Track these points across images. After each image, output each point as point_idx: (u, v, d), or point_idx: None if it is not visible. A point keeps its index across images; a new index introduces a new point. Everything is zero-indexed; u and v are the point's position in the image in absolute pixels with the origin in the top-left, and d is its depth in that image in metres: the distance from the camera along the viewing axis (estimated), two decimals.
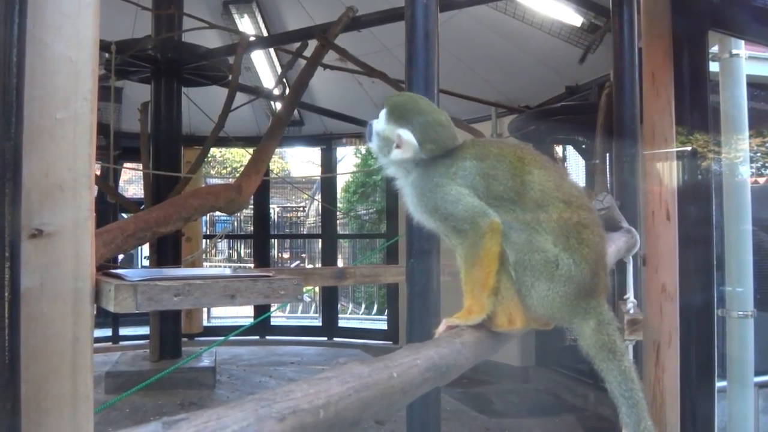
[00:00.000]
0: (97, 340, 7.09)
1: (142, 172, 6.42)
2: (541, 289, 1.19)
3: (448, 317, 1.28)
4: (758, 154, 5.27)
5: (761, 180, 5.30)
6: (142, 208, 5.72)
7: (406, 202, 1.36)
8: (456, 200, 1.23)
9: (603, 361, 1.24)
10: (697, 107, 3.21)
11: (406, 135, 1.28)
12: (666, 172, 3.22)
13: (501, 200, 1.22)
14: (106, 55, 5.26)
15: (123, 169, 8.67)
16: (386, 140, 1.33)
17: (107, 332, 7.77)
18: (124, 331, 7.93)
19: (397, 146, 1.30)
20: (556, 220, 1.21)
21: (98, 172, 6.42)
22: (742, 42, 3.48)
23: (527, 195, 1.23)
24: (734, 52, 3.45)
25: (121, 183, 9.70)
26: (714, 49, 3.47)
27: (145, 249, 8.23)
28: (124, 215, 7.14)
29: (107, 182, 5.93)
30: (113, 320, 7.75)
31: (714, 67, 3.45)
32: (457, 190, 1.24)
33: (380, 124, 1.35)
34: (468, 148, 1.31)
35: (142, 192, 6.49)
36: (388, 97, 1.37)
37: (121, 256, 8.14)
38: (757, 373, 3.41)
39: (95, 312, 1.39)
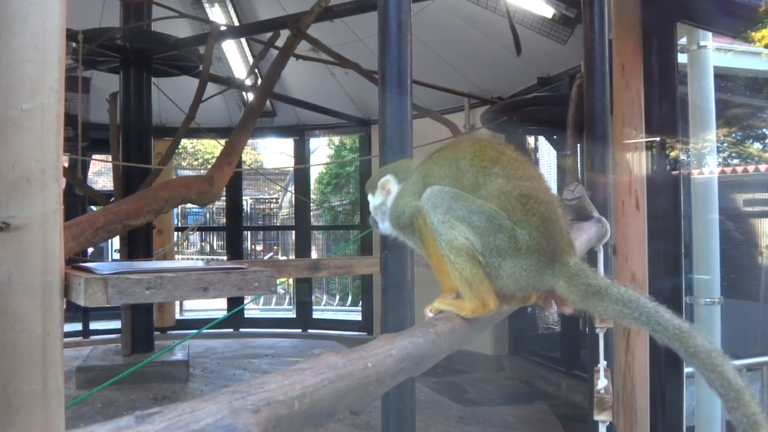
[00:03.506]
0: (67, 334, 6.99)
1: (111, 164, 6.32)
2: (508, 267, 1.21)
3: (438, 300, 1.29)
4: (725, 145, 5.37)
5: (728, 170, 5.41)
6: (111, 200, 5.64)
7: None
8: (402, 211, 1.35)
9: (596, 305, 1.22)
10: (666, 98, 3.25)
11: (384, 179, 1.44)
12: (635, 163, 3.27)
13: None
14: (74, 44, 5.15)
15: (92, 161, 8.54)
16: (381, 204, 1.46)
17: (77, 327, 7.66)
18: (94, 326, 7.82)
19: (387, 195, 1.44)
20: (497, 195, 1.22)
21: (66, 164, 6.32)
22: (710, 34, 3.53)
23: (465, 177, 1.25)
24: (702, 43, 3.50)
25: (90, 175, 9.56)
26: (682, 40, 3.52)
27: (116, 242, 8.12)
28: (94, 208, 7.04)
29: (76, 174, 5.83)
30: (83, 314, 7.64)
31: (682, 58, 3.50)
32: (404, 200, 1.36)
33: (371, 199, 1.49)
34: (421, 164, 1.41)
35: (112, 184, 6.39)
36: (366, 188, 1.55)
37: (90, 250, 8.03)
38: None
39: (65, 306, 1.37)
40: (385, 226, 1.47)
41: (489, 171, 1.25)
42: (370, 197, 1.50)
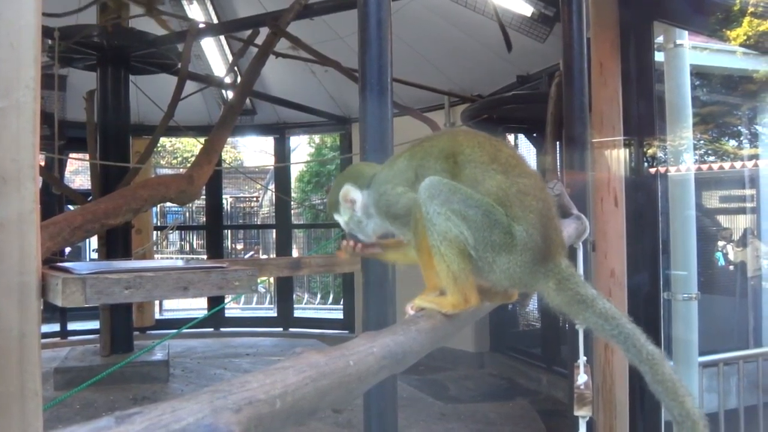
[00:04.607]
0: (45, 335, 6.90)
1: (89, 163, 6.25)
2: (503, 262, 1.22)
3: (419, 298, 1.29)
4: (702, 142, 5.45)
5: (705, 167, 5.48)
6: (89, 199, 5.58)
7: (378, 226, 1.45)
8: (396, 201, 1.33)
9: (578, 313, 1.25)
10: (643, 97, 3.29)
11: (342, 192, 1.42)
12: (614, 160, 3.30)
13: None
14: (49, 41, 5.09)
15: (69, 160, 8.44)
16: (350, 217, 1.45)
17: (55, 327, 7.56)
18: (72, 326, 7.73)
19: (353, 206, 1.43)
20: (495, 191, 1.22)
21: (43, 163, 6.23)
22: (686, 32, 3.57)
23: (463, 173, 1.25)
24: (678, 42, 3.54)
25: (67, 174, 9.44)
26: (659, 39, 3.56)
27: (94, 242, 8.03)
28: (71, 207, 6.95)
29: (52, 173, 5.76)
30: (61, 315, 7.55)
31: (659, 57, 3.54)
32: (395, 190, 1.33)
33: (340, 218, 1.48)
34: (401, 152, 1.40)
35: (90, 183, 6.32)
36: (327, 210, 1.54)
37: (68, 250, 7.93)
38: (702, 353, 3.54)
39: (42, 307, 1.35)
40: (367, 233, 1.45)
41: (488, 167, 1.25)
42: (337, 217, 1.48)
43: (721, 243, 5.84)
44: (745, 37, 3.34)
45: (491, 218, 1.20)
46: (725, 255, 5.88)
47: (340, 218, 1.47)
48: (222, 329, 8.31)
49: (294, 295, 9.32)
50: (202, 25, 6.17)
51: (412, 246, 1.32)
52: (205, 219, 9.33)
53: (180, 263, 1.73)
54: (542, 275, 1.25)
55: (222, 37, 7.43)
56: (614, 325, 1.23)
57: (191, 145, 14.42)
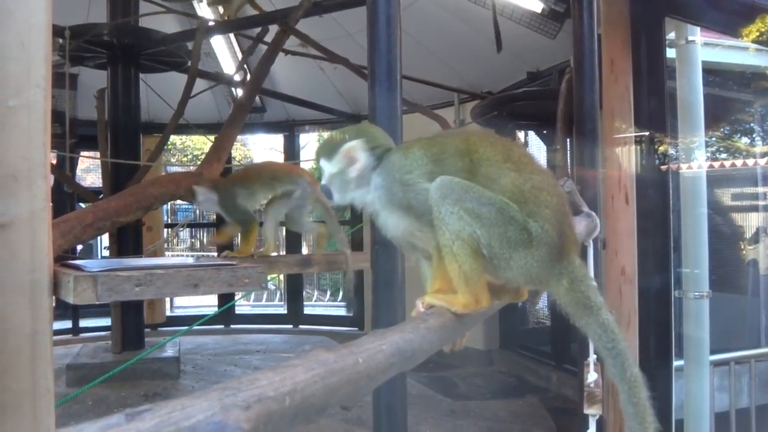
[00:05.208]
0: (57, 332, 6.95)
1: (100, 161, 6.28)
2: (519, 258, 1.22)
3: (430, 295, 1.28)
4: (713, 140, 5.41)
5: (716, 164, 5.44)
6: (100, 197, 5.61)
7: (376, 214, 1.35)
8: (426, 198, 1.26)
9: (581, 317, 1.26)
10: (655, 93, 3.27)
11: (349, 146, 1.31)
12: (625, 157, 3.28)
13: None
14: (60, 40, 5.11)
15: (80, 158, 8.49)
16: (340, 172, 1.33)
17: (67, 324, 7.61)
18: (84, 323, 7.77)
19: (350, 164, 1.31)
20: (510, 188, 1.23)
21: (54, 161, 6.27)
22: (698, 29, 3.54)
23: (479, 171, 1.25)
24: (690, 38, 3.51)
25: (78, 172, 9.49)
26: (671, 35, 3.53)
27: (105, 239, 8.07)
28: (82, 205, 6.99)
29: (64, 171, 5.79)
30: (73, 312, 7.60)
31: (671, 53, 3.51)
32: (422, 186, 1.26)
33: (326, 166, 1.35)
34: (416, 142, 1.35)
35: (101, 181, 6.35)
36: (317, 150, 1.40)
37: (79, 247, 7.98)
38: (713, 352, 3.52)
39: (54, 304, 1.36)
40: (345, 197, 1.35)
41: (501, 165, 1.26)
42: (323, 162, 1.35)
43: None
44: (758, 34, 3.31)
45: (506, 215, 1.20)
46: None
47: (327, 166, 1.34)
48: (232, 326, 8.34)
49: (304, 293, 9.34)
50: (211, 23, 6.18)
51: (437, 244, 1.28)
52: (215, 216, 9.35)
53: (190, 260, 1.74)
54: (557, 272, 1.25)
55: (231, 35, 7.44)
56: (611, 339, 1.25)
57: (201, 143, 14.46)
